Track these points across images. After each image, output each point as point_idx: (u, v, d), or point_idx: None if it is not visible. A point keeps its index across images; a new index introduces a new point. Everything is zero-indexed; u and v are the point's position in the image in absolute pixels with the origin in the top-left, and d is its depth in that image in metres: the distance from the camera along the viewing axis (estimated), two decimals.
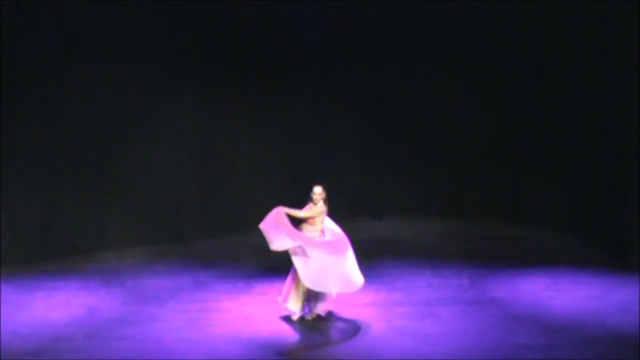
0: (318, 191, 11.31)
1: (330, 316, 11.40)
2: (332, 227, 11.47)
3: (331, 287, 11.02)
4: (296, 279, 11.25)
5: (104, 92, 14.66)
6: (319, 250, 11.05)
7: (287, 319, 11.36)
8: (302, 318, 11.33)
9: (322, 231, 11.39)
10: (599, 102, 14.62)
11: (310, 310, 11.36)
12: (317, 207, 11.28)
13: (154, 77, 15.01)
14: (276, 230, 11.06)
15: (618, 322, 11.08)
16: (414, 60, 16.67)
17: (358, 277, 11.21)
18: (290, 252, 11.05)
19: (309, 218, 11.28)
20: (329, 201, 11.48)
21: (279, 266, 13.12)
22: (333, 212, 11.59)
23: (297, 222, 11.35)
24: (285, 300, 11.40)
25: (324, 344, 10.61)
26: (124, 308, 11.87)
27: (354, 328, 11.05)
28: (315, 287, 11.03)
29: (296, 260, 11.02)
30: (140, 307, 11.87)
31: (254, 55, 15.83)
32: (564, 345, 10.31)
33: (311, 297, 11.31)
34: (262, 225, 11.09)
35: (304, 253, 10.98)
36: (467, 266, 13.76)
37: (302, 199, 11.53)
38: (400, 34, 16.58)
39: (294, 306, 11.34)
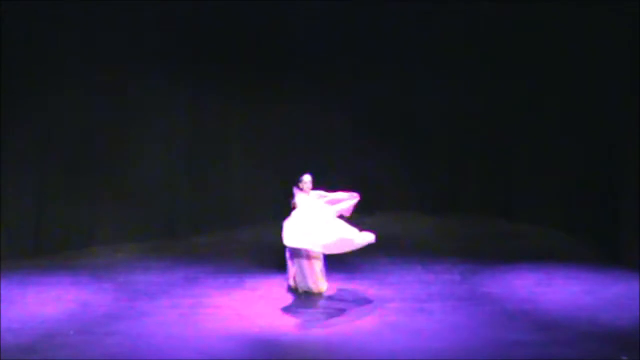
0: (307, 179, 12.15)
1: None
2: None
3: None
4: (306, 264, 12.05)
5: (97, 88, 14.62)
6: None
7: (279, 314, 11.39)
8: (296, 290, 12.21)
9: None
10: (594, 97, 14.62)
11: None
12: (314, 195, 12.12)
13: (147, 73, 14.97)
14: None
15: (611, 317, 11.07)
16: (409, 57, 16.64)
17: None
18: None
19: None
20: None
21: (270, 262, 13.15)
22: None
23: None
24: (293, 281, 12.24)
25: (316, 340, 10.58)
26: (116, 304, 11.84)
27: (345, 324, 11.05)
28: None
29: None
30: (131, 303, 11.85)
31: (248, 50, 15.80)
32: (557, 341, 10.31)
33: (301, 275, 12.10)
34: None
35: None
36: (459, 262, 13.75)
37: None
38: (397, 31, 16.55)
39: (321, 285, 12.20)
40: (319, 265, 12.13)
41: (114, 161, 14.87)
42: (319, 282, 12.14)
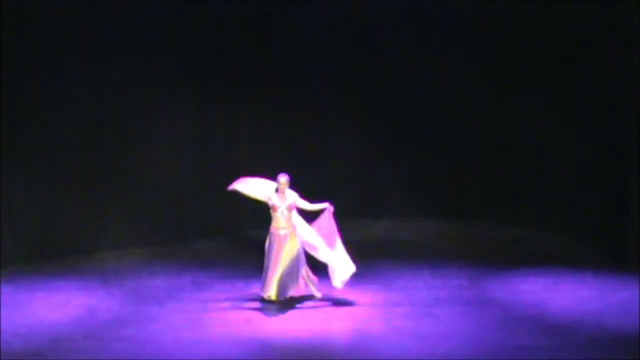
0: (284, 180, 11.87)
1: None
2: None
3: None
4: (271, 267, 11.73)
5: (104, 92, 14.64)
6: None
7: (286, 319, 11.40)
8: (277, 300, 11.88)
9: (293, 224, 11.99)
10: (599, 99, 14.61)
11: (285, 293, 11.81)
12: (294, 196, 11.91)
13: (154, 77, 14.98)
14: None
15: (619, 322, 11.06)
16: (412, 62, 16.63)
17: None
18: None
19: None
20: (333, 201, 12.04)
21: None
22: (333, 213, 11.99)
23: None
24: (265, 290, 11.82)
25: (323, 345, 10.58)
26: (123, 308, 11.86)
27: (352, 328, 11.05)
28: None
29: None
30: (139, 308, 11.86)
31: (255, 57, 15.80)
32: (564, 345, 10.30)
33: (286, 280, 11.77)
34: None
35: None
36: (466, 266, 13.74)
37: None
38: (397, 35, 16.54)
39: (271, 292, 11.76)
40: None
41: (121, 166, 14.86)
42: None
